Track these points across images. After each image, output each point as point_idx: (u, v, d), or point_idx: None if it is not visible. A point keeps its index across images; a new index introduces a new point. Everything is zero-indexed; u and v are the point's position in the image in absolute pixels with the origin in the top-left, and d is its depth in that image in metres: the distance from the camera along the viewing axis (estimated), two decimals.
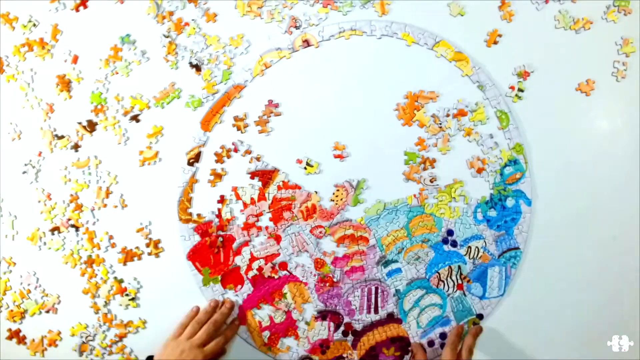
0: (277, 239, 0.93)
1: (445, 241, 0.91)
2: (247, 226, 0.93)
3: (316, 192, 0.92)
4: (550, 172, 0.91)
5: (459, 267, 0.92)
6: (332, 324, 0.92)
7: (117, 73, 0.94)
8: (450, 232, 0.91)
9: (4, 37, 0.95)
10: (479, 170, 0.91)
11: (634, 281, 0.92)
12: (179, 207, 0.93)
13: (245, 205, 0.93)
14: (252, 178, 0.93)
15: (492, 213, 0.91)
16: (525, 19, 0.92)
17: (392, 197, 0.92)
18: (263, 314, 0.93)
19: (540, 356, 0.92)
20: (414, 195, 0.91)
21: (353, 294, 0.92)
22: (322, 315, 0.92)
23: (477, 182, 0.91)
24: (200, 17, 0.93)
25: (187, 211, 0.93)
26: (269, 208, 0.93)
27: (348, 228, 0.92)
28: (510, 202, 0.91)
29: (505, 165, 0.90)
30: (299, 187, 0.92)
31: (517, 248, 0.91)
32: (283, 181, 0.92)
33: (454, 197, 0.91)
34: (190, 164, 0.93)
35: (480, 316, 0.92)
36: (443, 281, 0.92)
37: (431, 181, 0.91)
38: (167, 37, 0.93)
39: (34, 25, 0.94)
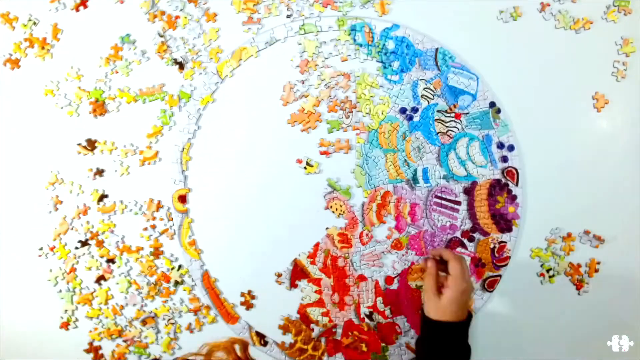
0: (362, 278, 0.93)
1: (409, 118, 0.92)
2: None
3: (327, 228, 0.93)
4: (549, 172, 0.92)
5: (438, 112, 0.92)
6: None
7: (117, 72, 0.94)
8: (402, 110, 0.92)
9: (4, 37, 0.95)
10: None
11: (634, 281, 0.92)
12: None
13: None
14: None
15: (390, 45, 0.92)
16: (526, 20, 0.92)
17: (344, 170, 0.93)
18: None
19: (540, 356, 0.92)
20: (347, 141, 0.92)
21: (433, 217, 0.92)
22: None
23: None
24: (201, 17, 0.94)
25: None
26: (334, 282, 0.94)
27: (369, 207, 0.92)
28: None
29: None
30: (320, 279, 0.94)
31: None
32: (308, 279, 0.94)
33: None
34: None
35: (492, 104, 0.92)
36: (447, 131, 0.92)
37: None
38: (162, 36, 0.93)
39: (34, 23, 0.94)
